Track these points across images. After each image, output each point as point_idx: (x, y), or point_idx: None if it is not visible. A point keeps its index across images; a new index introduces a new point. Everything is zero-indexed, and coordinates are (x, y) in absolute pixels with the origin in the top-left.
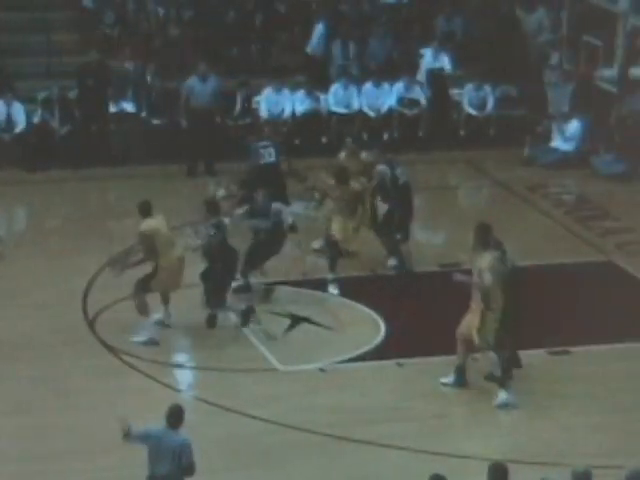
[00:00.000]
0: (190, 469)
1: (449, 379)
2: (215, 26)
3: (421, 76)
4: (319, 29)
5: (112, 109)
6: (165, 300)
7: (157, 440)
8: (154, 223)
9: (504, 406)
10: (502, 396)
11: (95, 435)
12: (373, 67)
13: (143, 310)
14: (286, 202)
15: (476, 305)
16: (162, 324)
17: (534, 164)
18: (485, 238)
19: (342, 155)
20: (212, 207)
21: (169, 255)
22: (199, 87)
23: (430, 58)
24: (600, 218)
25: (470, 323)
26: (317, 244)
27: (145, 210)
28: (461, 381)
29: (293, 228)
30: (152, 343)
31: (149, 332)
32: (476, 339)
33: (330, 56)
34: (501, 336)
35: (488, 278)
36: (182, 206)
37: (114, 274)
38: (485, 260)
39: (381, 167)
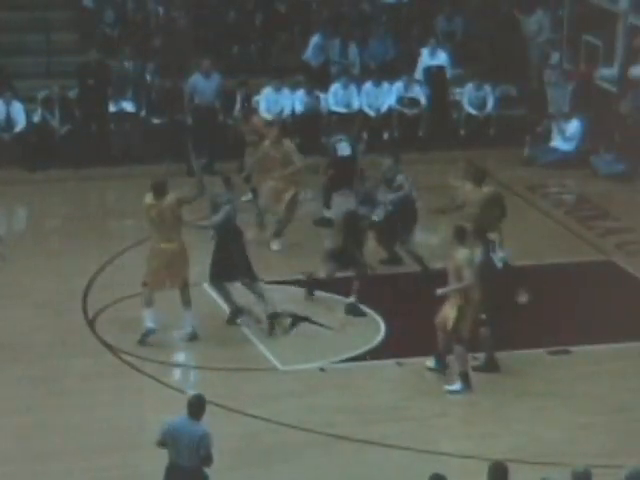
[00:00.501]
0: (207, 460)
1: (431, 363)
2: (215, 25)
3: (418, 74)
4: (315, 40)
5: (112, 109)
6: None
7: (177, 431)
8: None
9: (454, 393)
10: (456, 386)
11: (95, 435)
12: (373, 67)
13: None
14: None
15: (454, 297)
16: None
17: (534, 164)
18: (462, 235)
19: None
20: (228, 182)
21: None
22: (203, 84)
23: (427, 56)
24: (600, 218)
25: (446, 313)
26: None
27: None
28: (441, 365)
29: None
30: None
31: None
32: (449, 329)
33: (327, 62)
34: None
35: (467, 275)
36: None
37: None
38: (461, 255)
39: (400, 177)
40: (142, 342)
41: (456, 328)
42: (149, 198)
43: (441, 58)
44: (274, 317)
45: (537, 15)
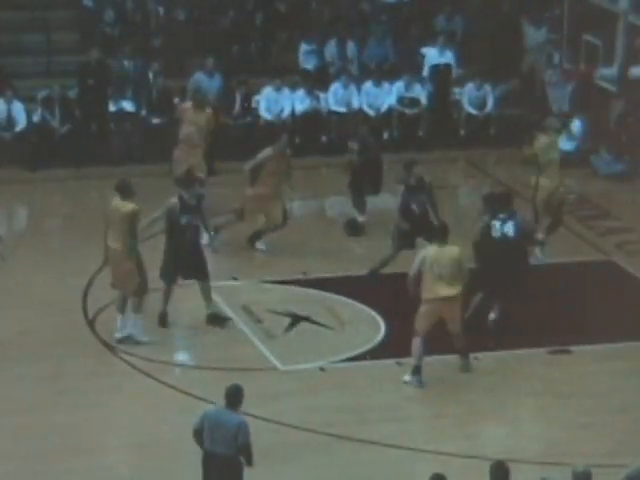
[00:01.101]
0: (246, 449)
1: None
2: (215, 25)
3: (425, 72)
4: (303, 47)
5: (112, 108)
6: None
7: (214, 419)
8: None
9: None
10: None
11: (95, 434)
12: (372, 67)
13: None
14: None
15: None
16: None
17: (530, 163)
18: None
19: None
20: (185, 181)
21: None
22: (206, 83)
23: (435, 54)
24: (600, 217)
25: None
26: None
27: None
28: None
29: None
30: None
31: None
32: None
33: (324, 65)
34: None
35: (412, 268)
36: None
37: None
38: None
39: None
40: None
41: (416, 321)
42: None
43: (448, 56)
44: (213, 319)
45: (543, 30)
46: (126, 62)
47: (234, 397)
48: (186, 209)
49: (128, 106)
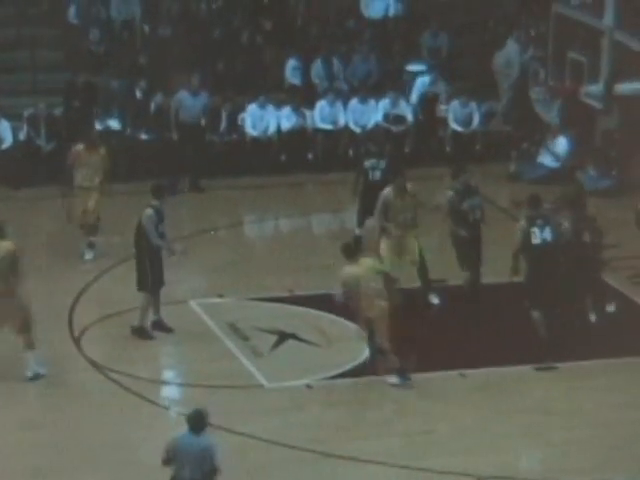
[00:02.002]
0: (212, 474)
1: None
2: (201, 42)
3: (413, 98)
4: (291, 63)
5: (98, 127)
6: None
7: (180, 446)
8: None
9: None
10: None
11: (81, 452)
12: (357, 84)
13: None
14: None
15: None
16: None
17: (520, 180)
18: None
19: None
20: (157, 190)
21: None
22: (189, 102)
23: (425, 84)
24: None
25: None
26: None
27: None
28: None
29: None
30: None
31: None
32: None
33: (309, 82)
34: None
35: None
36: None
37: None
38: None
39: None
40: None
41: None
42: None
43: (440, 88)
44: (137, 330)
45: (507, 48)
46: (112, 81)
47: (197, 422)
48: (161, 219)
49: (114, 124)
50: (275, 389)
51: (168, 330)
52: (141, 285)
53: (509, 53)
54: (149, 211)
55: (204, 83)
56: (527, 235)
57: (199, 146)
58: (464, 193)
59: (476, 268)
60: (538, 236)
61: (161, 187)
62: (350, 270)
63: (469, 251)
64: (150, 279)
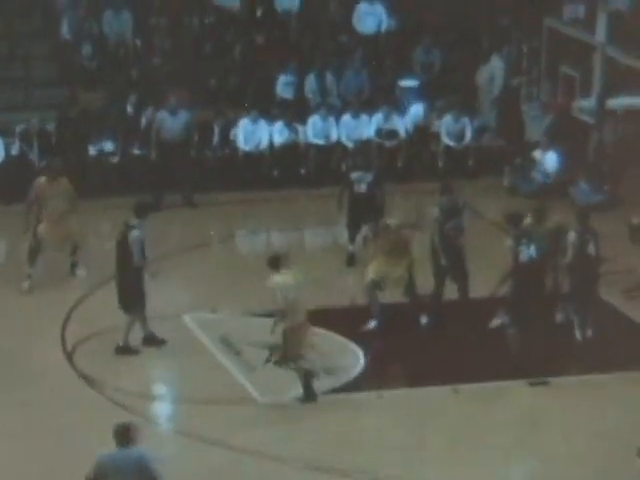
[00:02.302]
0: None
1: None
2: (193, 57)
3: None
4: (282, 79)
5: (92, 151)
6: None
7: (111, 463)
8: None
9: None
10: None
11: (70, 467)
12: (350, 99)
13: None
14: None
15: None
16: None
17: (513, 194)
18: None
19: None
20: (140, 209)
21: None
22: (169, 121)
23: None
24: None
25: None
26: None
27: None
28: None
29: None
30: None
31: None
32: None
33: (302, 97)
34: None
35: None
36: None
37: None
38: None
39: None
40: None
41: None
42: None
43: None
44: (121, 349)
45: (490, 63)
46: (105, 104)
47: (123, 436)
48: (144, 238)
49: (108, 146)
50: (268, 403)
51: (160, 343)
52: (126, 306)
53: (493, 68)
54: (136, 232)
55: (195, 98)
56: (516, 254)
57: (184, 163)
58: (449, 212)
59: (440, 281)
60: (525, 254)
61: (145, 206)
62: (274, 279)
63: (439, 265)
64: (135, 300)
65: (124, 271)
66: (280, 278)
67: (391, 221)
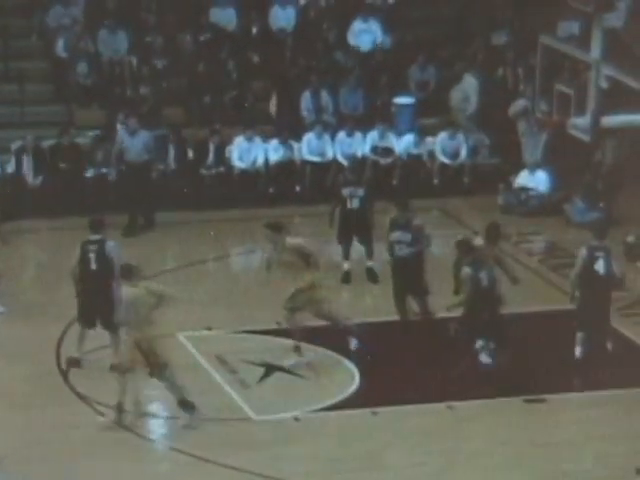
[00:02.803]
0: None
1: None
2: (188, 75)
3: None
4: (273, 99)
5: (88, 174)
6: None
7: None
8: None
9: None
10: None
11: None
12: (345, 116)
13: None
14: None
15: None
16: None
17: (508, 212)
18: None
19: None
20: (96, 224)
21: None
22: (129, 142)
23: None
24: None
25: None
26: None
27: None
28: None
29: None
30: None
31: None
32: None
33: (296, 116)
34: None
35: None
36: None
37: None
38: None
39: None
40: None
41: None
42: None
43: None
44: (116, 367)
45: (463, 83)
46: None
47: None
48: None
49: (103, 169)
50: (263, 422)
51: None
52: (108, 325)
53: (466, 88)
54: (112, 243)
55: (190, 116)
56: (475, 280)
57: (145, 184)
58: (399, 227)
59: (397, 299)
60: (485, 279)
61: (100, 221)
62: (127, 291)
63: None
64: (114, 317)
65: (104, 288)
66: (129, 290)
67: (288, 240)
